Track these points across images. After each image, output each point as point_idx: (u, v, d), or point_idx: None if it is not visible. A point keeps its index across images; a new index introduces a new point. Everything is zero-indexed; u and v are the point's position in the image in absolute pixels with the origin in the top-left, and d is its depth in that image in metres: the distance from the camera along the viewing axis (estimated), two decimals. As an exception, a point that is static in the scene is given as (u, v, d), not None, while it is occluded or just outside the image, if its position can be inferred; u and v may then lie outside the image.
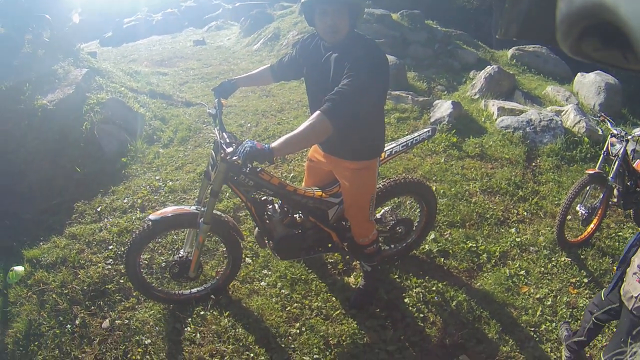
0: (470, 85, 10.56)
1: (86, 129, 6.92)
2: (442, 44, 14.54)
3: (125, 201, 5.80)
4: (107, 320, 4.20)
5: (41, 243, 5.29)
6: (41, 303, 4.46)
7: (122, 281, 4.56)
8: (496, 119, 8.05)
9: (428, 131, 4.21)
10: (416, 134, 4.16)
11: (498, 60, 14.13)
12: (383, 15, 14.94)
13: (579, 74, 11.45)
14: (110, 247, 4.99)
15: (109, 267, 4.76)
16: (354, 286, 4.36)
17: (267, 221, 3.77)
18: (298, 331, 3.94)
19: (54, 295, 4.49)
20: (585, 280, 4.67)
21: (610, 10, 0.61)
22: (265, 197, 3.73)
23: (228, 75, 12.08)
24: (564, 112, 8.44)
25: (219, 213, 3.80)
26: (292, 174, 6.18)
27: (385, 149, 3.87)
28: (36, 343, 4.08)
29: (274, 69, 3.74)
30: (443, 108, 8.11)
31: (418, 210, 4.69)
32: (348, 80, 2.82)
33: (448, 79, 11.58)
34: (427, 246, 4.85)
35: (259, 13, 19.19)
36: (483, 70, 10.65)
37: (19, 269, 4.87)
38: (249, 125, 8.19)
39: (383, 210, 4.46)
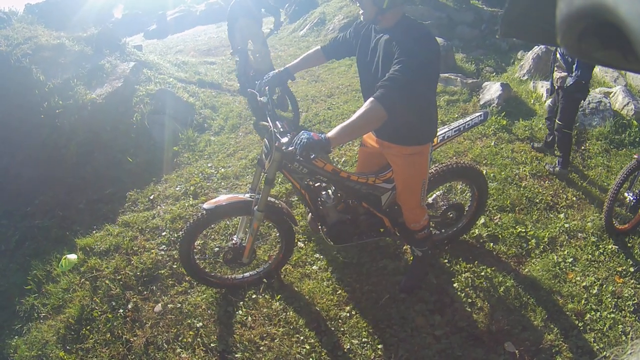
0: (518, 67, 10.37)
1: (137, 120, 7.08)
2: (489, 24, 14.33)
3: (177, 189, 5.89)
4: (160, 304, 4.30)
5: (94, 232, 5.44)
6: (94, 289, 4.59)
7: (174, 266, 4.65)
8: (545, 101, 7.85)
9: (480, 115, 4.16)
10: (468, 119, 4.11)
11: (544, 40, 13.83)
12: (428, -4, 14.75)
13: (627, 53, 11.08)
14: (164, 234, 5.10)
15: (162, 253, 4.86)
16: (404, 270, 4.34)
17: (321, 207, 3.78)
18: (348, 314, 3.96)
19: (106, 282, 4.61)
20: (632, 269, 4.56)
21: (610, 11, 0.61)
22: (318, 184, 3.75)
23: (276, 62, 12.09)
24: (612, 94, 8.23)
25: (272, 199, 3.83)
26: (343, 159, 6.19)
27: (438, 133, 3.84)
28: (88, 327, 4.20)
29: (325, 48, 3.74)
30: (492, 90, 8.02)
31: (469, 194, 4.66)
32: (400, 65, 2.80)
33: (496, 60, 11.41)
34: (477, 231, 4.82)
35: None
36: (531, 51, 10.44)
37: (72, 257, 5.01)
38: (299, 110, 8.13)
39: (435, 195, 4.43)
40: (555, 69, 5.73)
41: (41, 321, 4.49)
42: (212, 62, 13.50)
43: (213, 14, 28.35)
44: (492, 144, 6.61)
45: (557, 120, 5.95)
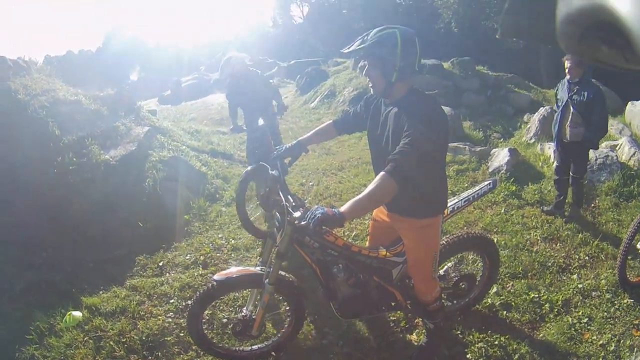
0: (525, 130, 10.48)
1: (149, 185, 7.13)
2: (495, 89, 14.59)
3: (187, 257, 5.88)
4: None
5: (101, 292, 5.41)
6: (97, 349, 4.53)
7: (181, 334, 4.60)
8: (553, 162, 7.82)
9: (489, 184, 4.17)
10: (477, 188, 4.13)
11: (550, 100, 13.99)
12: (434, 65, 15.08)
13: (629, 103, 11.24)
14: (172, 301, 5.07)
15: (169, 320, 4.82)
16: (415, 343, 4.28)
17: (331, 282, 3.74)
18: None
19: (110, 343, 4.56)
20: (649, 321, 4.49)
21: (610, 11, 0.61)
22: (330, 258, 3.69)
23: (287, 134, 12.30)
24: (618, 146, 8.28)
25: (283, 273, 3.81)
26: (354, 233, 6.18)
27: (448, 205, 3.85)
28: None
29: (337, 123, 3.79)
30: (500, 156, 8.07)
31: (480, 264, 4.62)
32: (409, 139, 2.83)
33: (503, 125, 11.54)
34: (489, 300, 4.75)
35: (314, 70, 19.53)
36: (537, 113, 10.57)
37: (77, 314, 4.97)
38: (310, 184, 8.31)
39: (446, 267, 4.38)
40: (569, 125, 5.77)
41: None
42: (224, 132, 13.72)
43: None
44: (502, 211, 6.61)
45: (572, 174, 6.15)
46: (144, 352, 4.46)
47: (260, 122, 6.78)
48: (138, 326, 4.75)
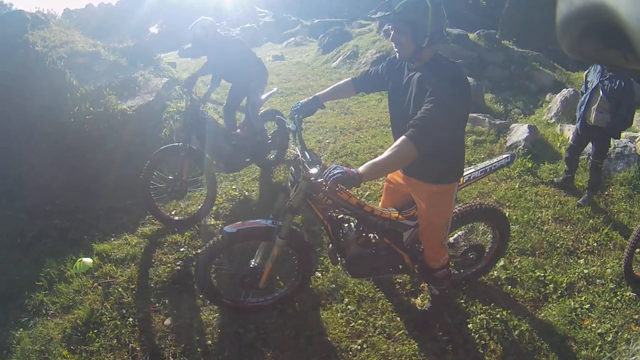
0: (546, 109, 10.36)
1: (165, 135, 7.18)
2: (519, 65, 14.35)
3: (200, 207, 5.89)
4: (170, 318, 4.31)
5: (112, 239, 5.49)
6: (105, 295, 4.62)
7: (189, 283, 4.68)
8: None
9: (507, 158, 4.15)
10: (495, 160, 4.10)
11: (574, 83, 13.87)
12: (460, 35, 14.87)
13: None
14: (182, 250, 5.14)
15: (178, 268, 4.89)
16: (419, 308, 4.32)
17: (342, 239, 3.78)
18: (359, 347, 3.94)
19: (119, 289, 4.65)
20: (648, 317, 4.50)
21: (610, 11, 0.61)
22: (341, 216, 3.74)
23: (307, 91, 12.25)
24: (638, 138, 8.17)
25: (294, 227, 3.82)
26: (367, 192, 6.22)
27: (465, 174, 3.85)
28: (95, 331, 4.22)
29: (356, 81, 3.77)
30: (519, 132, 8.02)
31: (490, 236, 4.63)
32: (432, 105, 2.82)
33: (524, 102, 11.39)
34: (495, 273, 4.79)
35: (338, 30, 19.33)
36: (559, 94, 10.44)
37: (87, 260, 5.05)
38: (327, 141, 8.29)
39: (456, 235, 4.41)
40: (595, 109, 5.73)
41: (48, 318, 4.52)
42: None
43: (246, 39, 28.75)
44: (517, 186, 6.59)
45: (592, 159, 6.20)
46: (152, 299, 4.54)
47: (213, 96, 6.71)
48: (147, 273, 4.85)
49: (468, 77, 3.35)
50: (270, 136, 6.81)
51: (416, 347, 3.91)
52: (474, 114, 8.81)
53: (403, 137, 2.85)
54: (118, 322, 4.30)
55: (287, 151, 7.02)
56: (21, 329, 4.46)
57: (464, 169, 3.76)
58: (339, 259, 3.90)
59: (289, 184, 3.66)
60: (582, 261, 5.19)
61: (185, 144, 5.54)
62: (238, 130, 6.54)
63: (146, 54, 10.15)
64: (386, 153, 2.87)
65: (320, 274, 4.75)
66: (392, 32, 3.05)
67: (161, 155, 5.57)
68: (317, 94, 3.84)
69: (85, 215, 6.17)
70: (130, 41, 10.55)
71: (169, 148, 5.62)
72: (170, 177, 5.68)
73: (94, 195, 6.51)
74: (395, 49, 3.11)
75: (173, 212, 5.91)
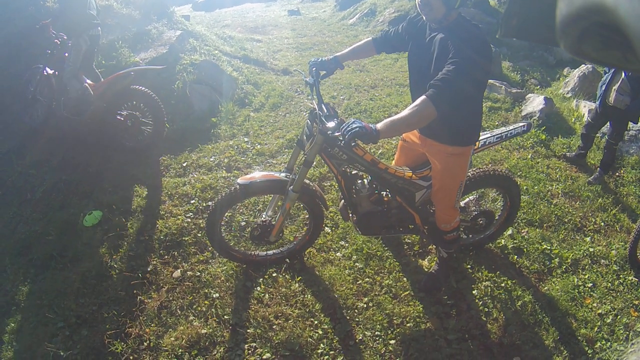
0: (563, 83, 10.20)
1: (178, 87, 7.14)
2: (539, 36, 14.19)
3: (211, 159, 5.93)
4: (179, 270, 4.36)
5: (121, 191, 5.51)
6: (115, 247, 4.66)
7: (199, 235, 4.71)
8: (585, 119, 7.73)
9: (523, 126, 4.11)
10: (511, 127, 4.08)
11: (593, 60, 13.63)
12: (480, 0, 14.66)
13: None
14: (192, 202, 5.16)
15: (189, 220, 4.92)
16: (426, 270, 4.35)
17: (354, 195, 3.79)
18: (365, 305, 3.98)
19: (129, 241, 4.69)
20: (649, 303, 4.51)
21: (610, 11, 0.60)
22: (355, 172, 3.74)
23: (323, 47, 12.25)
24: (652, 123, 8.05)
25: (307, 182, 3.84)
26: (380, 150, 6.20)
27: (480, 138, 3.84)
28: (104, 284, 4.28)
29: (377, 41, 3.75)
30: (535, 103, 7.95)
31: (501, 203, 4.63)
32: (453, 66, 2.81)
33: (542, 73, 11.24)
34: (503, 241, 4.79)
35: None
36: (577, 69, 10.25)
37: (97, 212, 5.08)
38: (341, 97, 8.25)
39: (467, 199, 4.40)
40: (615, 89, 5.67)
41: (57, 272, 4.56)
42: (258, 39, 13.54)
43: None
44: (529, 156, 6.55)
45: (607, 139, 6.13)
46: (161, 252, 4.59)
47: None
48: (157, 225, 4.88)
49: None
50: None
51: (421, 309, 3.95)
52: (491, 81, 8.74)
53: (423, 96, 2.85)
54: (126, 274, 4.36)
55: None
56: (30, 283, 4.52)
57: (480, 134, 3.75)
58: (351, 215, 3.92)
59: (304, 137, 3.65)
60: (588, 239, 5.17)
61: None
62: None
63: (159, 6, 10.02)
64: (405, 111, 2.88)
65: (330, 230, 4.77)
66: None
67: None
68: (336, 54, 3.83)
69: (95, 168, 6.18)
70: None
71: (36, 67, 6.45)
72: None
73: (104, 148, 6.51)
74: (423, 11, 3.07)
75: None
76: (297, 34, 14.55)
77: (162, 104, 6.28)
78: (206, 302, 4.04)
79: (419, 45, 3.29)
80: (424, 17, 3.15)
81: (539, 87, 10.24)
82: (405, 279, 4.24)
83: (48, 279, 4.49)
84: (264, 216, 4.10)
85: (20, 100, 6.72)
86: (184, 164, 5.96)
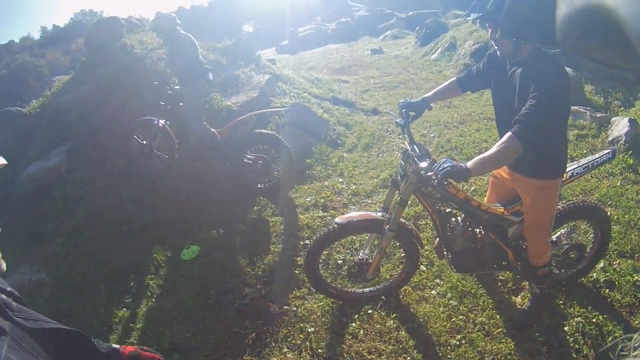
0: (646, 101, 9.90)
1: (271, 130, 7.36)
2: (617, 54, 13.78)
3: (307, 199, 6.12)
4: (276, 305, 4.50)
5: (220, 229, 5.74)
6: (212, 280, 4.88)
7: (296, 272, 4.86)
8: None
9: (608, 153, 4.07)
10: (597, 156, 4.04)
11: (676, 73, 13.10)
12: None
13: None
14: (290, 240, 5.32)
15: (286, 257, 5.08)
16: (519, 306, 4.31)
17: (449, 233, 3.84)
18: (458, 343, 3.98)
19: (226, 275, 4.90)
20: None
21: (611, 11, 0.62)
22: (449, 210, 3.81)
23: (409, 85, 12.35)
24: None
25: (403, 221, 3.92)
26: (473, 187, 6.21)
27: (567, 170, 3.82)
28: (200, 313, 4.49)
29: (461, 81, 3.84)
30: (620, 126, 7.71)
31: (592, 235, 4.56)
32: (535, 101, 2.87)
33: (624, 93, 10.86)
34: (594, 274, 4.66)
35: (433, 22, 19.44)
36: (660, 85, 9.93)
37: (195, 247, 5.35)
38: (432, 135, 8.32)
39: (559, 233, 4.37)
40: None
41: (153, 300, 4.82)
42: (345, 80, 13.81)
43: (344, 33, 28.99)
44: (618, 184, 6.34)
45: None
46: (258, 286, 4.77)
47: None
48: (255, 261, 5.08)
49: (567, 67, 3.37)
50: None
51: (512, 346, 3.93)
52: (575, 107, 8.53)
53: (509, 133, 2.92)
54: (223, 306, 4.55)
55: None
56: (124, 309, 4.78)
57: (567, 165, 3.75)
58: (445, 252, 3.96)
59: (399, 177, 3.74)
60: (685, 271, 4.92)
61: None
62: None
63: (246, 51, 10.48)
64: (493, 149, 2.95)
65: (425, 268, 4.80)
66: (490, 31, 3.12)
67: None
68: (424, 96, 3.93)
69: (193, 207, 6.47)
70: (229, 40, 10.93)
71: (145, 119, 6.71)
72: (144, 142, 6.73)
73: (202, 188, 6.81)
74: (495, 46, 3.19)
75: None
76: (382, 73, 14.74)
77: (289, 144, 6.53)
78: (301, 335, 4.16)
79: (501, 80, 3.37)
80: (498, 53, 3.25)
81: (622, 108, 9.88)
82: (498, 316, 4.22)
83: (143, 306, 4.75)
84: (361, 254, 4.19)
85: (130, 151, 7.12)
86: (281, 204, 6.16)
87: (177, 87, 6.66)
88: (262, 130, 6.51)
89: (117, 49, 9.94)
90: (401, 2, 41.89)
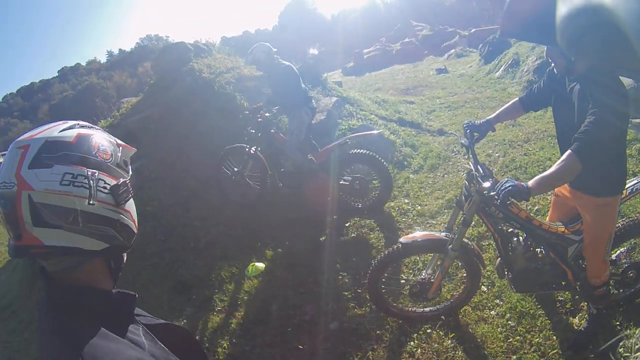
0: None
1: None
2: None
3: (372, 221, 6.23)
4: (336, 322, 4.65)
5: (285, 247, 5.95)
6: (274, 296, 5.03)
7: (358, 291, 4.98)
8: None
9: None
10: None
11: None
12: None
13: None
14: (354, 259, 5.46)
15: (350, 276, 5.21)
16: (576, 327, 4.29)
17: (510, 253, 3.89)
18: None
19: (289, 292, 5.05)
20: None
21: (611, 11, 0.64)
22: (511, 230, 3.86)
23: (474, 104, 12.38)
24: None
25: (466, 241, 4.03)
26: (536, 207, 6.14)
27: (627, 186, 3.82)
28: (260, 328, 4.65)
29: (523, 101, 3.92)
30: (682, 139, 7.34)
31: (652, 255, 4.42)
32: (593, 117, 2.93)
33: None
34: (654, 294, 4.56)
35: (495, 39, 19.28)
36: None
37: (260, 265, 5.45)
38: (497, 155, 8.34)
39: (619, 252, 4.31)
40: None
41: (215, 313, 4.99)
42: (411, 101, 13.94)
43: (409, 53, 29.14)
44: (680, 200, 6.12)
45: None
46: (320, 304, 4.91)
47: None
48: (318, 280, 5.22)
49: (626, 79, 3.42)
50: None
51: None
52: (637, 120, 8.10)
53: (568, 151, 2.99)
54: (283, 322, 4.70)
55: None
56: (185, 320, 4.98)
57: (627, 181, 3.76)
58: (506, 272, 4.01)
59: (463, 198, 3.86)
60: None
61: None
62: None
63: (312, 74, 10.78)
64: (553, 167, 3.04)
65: (486, 289, 4.84)
66: (546, 47, 3.25)
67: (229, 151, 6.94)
68: (488, 118, 4.06)
69: (259, 225, 6.69)
70: (295, 63, 11.30)
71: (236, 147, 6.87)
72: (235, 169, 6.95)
73: (268, 207, 7.04)
74: (552, 63, 3.30)
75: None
76: (448, 93, 14.82)
77: (385, 162, 6.71)
78: (359, 353, 4.28)
79: (561, 97, 3.43)
80: (555, 71, 3.35)
81: (683, 120, 9.61)
82: (555, 337, 4.21)
83: (204, 319, 4.93)
84: (423, 274, 4.30)
85: (221, 179, 7.33)
86: (346, 224, 6.30)
87: (268, 114, 6.96)
88: (358, 151, 6.64)
89: (186, 73, 10.36)
90: (463, 20, 41.71)
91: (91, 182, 1.27)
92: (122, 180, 1.38)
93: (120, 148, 1.45)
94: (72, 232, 1.25)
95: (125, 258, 1.53)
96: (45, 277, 1.36)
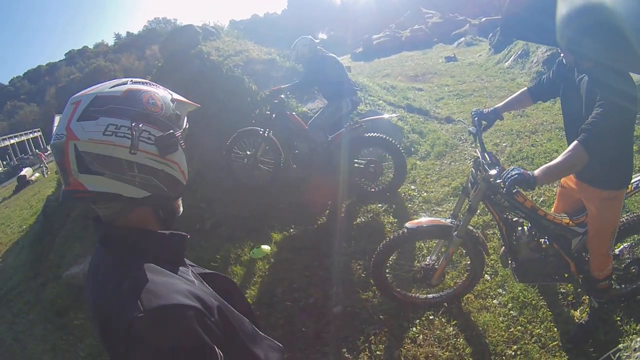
0: None
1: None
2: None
3: (379, 205, 6.27)
4: (340, 306, 4.68)
5: (291, 230, 5.98)
6: (279, 279, 5.08)
7: (363, 275, 5.01)
8: None
9: None
10: None
11: None
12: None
13: None
14: (360, 244, 5.49)
15: (354, 260, 5.24)
16: (577, 320, 4.30)
17: (514, 242, 3.92)
18: (513, 353, 4.02)
19: (294, 275, 5.08)
20: None
21: (611, 11, 0.68)
22: (516, 219, 3.88)
23: (482, 93, 12.39)
24: None
25: (471, 228, 4.04)
26: (542, 198, 6.16)
27: (632, 181, 3.83)
28: (264, 310, 4.69)
29: (532, 91, 3.92)
30: (690, 135, 7.29)
31: (655, 250, 4.46)
32: (601, 109, 2.93)
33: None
34: (656, 290, 4.56)
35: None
36: None
37: (266, 247, 5.57)
38: (504, 144, 8.35)
39: (622, 247, 4.32)
40: None
41: None
42: (419, 88, 13.96)
43: (417, 41, 29.00)
44: (686, 197, 6.11)
45: None
46: (324, 287, 4.96)
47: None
48: (323, 262, 5.27)
49: (636, 75, 3.40)
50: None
51: None
52: None
53: (575, 142, 3.01)
54: (287, 305, 4.75)
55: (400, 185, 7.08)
56: None
57: (633, 176, 3.73)
58: (510, 261, 4.03)
59: (469, 185, 3.89)
60: None
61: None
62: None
63: (321, 60, 10.74)
64: (559, 157, 3.05)
65: (489, 277, 4.86)
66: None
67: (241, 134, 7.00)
68: (496, 106, 4.06)
69: (266, 208, 6.74)
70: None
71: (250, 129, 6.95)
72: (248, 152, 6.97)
73: (275, 191, 7.10)
74: (562, 54, 3.26)
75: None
76: (457, 81, 14.87)
77: (399, 145, 6.75)
78: (361, 337, 4.32)
79: (569, 88, 3.42)
80: (564, 62, 3.32)
81: (694, 115, 9.51)
82: (555, 328, 4.23)
83: None
84: (427, 260, 4.32)
85: (230, 162, 7.34)
86: (356, 208, 6.33)
87: (283, 96, 7.03)
88: (372, 134, 6.69)
89: (194, 56, 10.43)
90: (474, 8, 41.48)
91: (134, 132, 1.33)
92: (169, 132, 1.44)
93: (175, 102, 1.53)
94: (114, 179, 1.33)
95: (181, 208, 1.69)
96: (98, 221, 1.46)
